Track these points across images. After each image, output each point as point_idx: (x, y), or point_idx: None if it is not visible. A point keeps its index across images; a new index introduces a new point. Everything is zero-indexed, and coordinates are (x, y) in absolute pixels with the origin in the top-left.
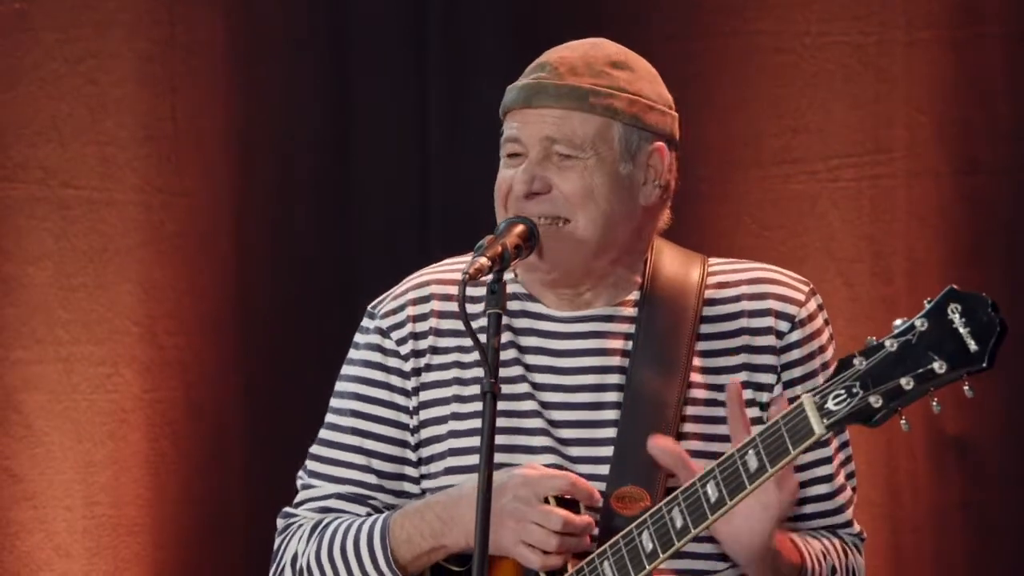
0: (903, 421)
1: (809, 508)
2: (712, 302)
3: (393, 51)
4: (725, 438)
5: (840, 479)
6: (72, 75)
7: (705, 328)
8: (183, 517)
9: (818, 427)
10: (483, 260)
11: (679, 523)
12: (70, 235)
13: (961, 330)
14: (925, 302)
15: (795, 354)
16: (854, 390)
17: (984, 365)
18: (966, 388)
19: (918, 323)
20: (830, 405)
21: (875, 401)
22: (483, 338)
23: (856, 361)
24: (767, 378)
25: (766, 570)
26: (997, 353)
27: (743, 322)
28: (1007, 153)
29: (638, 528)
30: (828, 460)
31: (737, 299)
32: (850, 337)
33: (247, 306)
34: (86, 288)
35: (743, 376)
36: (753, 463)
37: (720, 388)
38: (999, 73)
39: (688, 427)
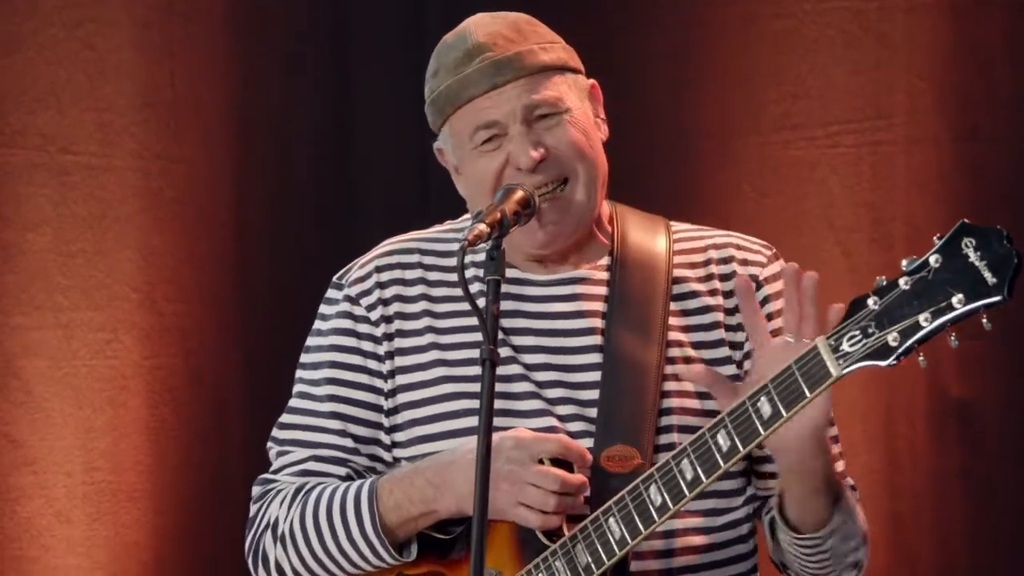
0: (921, 357)
1: None
2: (681, 264)
3: (394, 16)
4: (705, 395)
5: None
6: (70, 40)
7: (677, 289)
8: (183, 483)
9: (835, 369)
10: (482, 226)
11: (689, 474)
12: (69, 201)
13: (977, 263)
14: (935, 238)
15: (768, 308)
16: (869, 330)
17: (1003, 296)
18: (984, 321)
19: (932, 259)
20: (845, 346)
21: (892, 339)
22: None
23: (870, 301)
24: (742, 336)
25: (817, 478)
26: (1015, 284)
27: (714, 284)
28: (1007, 120)
29: (645, 483)
30: None
31: (706, 263)
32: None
33: (246, 272)
34: (85, 254)
35: (718, 335)
36: (767, 409)
37: (700, 346)
38: (999, 40)
39: (669, 385)
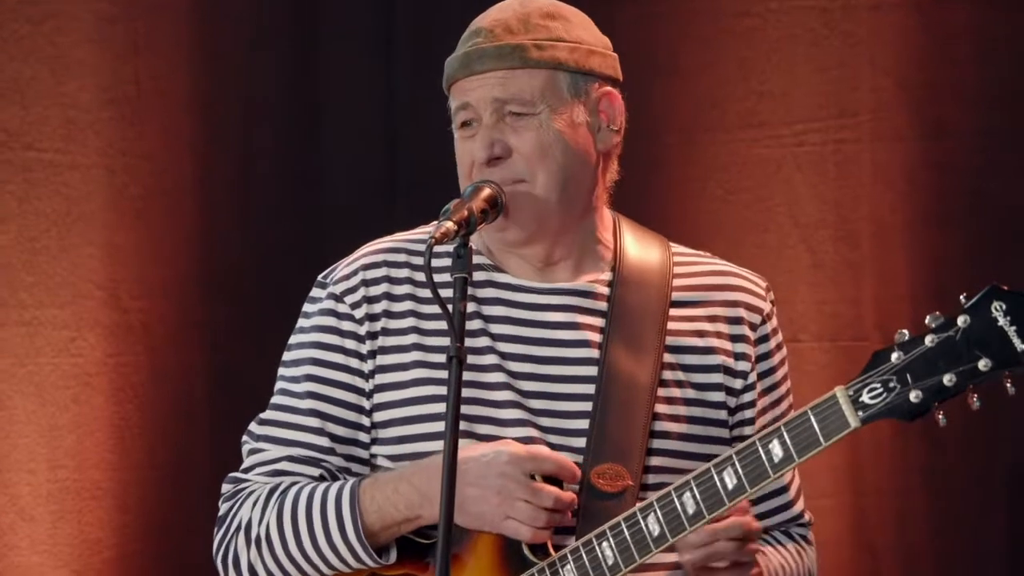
0: (940, 416)
1: (765, 506)
2: (680, 288)
3: (360, 11)
4: (696, 420)
5: (790, 472)
6: (34, 36)
7: (675, 311)
8: (147, 481)
9: (853, 420)
10: (449, 224)
11: (691, 509)
12: (32, 198)
13: (1007, 328)
14: (962, 298)
15: (770, 345)
16: (891, 384)
17: None
18: (1008, 384)
19: (960, 320)
20: (865, 398)
21: (915, 396)
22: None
23: (894, 356)
24: (743, 365)
25: None
26: None
27: (714, 310)
28: (972, 117)
29: (643, 512)
30: None
31: (707, 288)
32: (813, 303)
33: (211, 270)
34: (49, 251)
35: (716, 360)
36: (778, 452)
37: (691, 370)
38: (964, 37)
39: (661, 407)
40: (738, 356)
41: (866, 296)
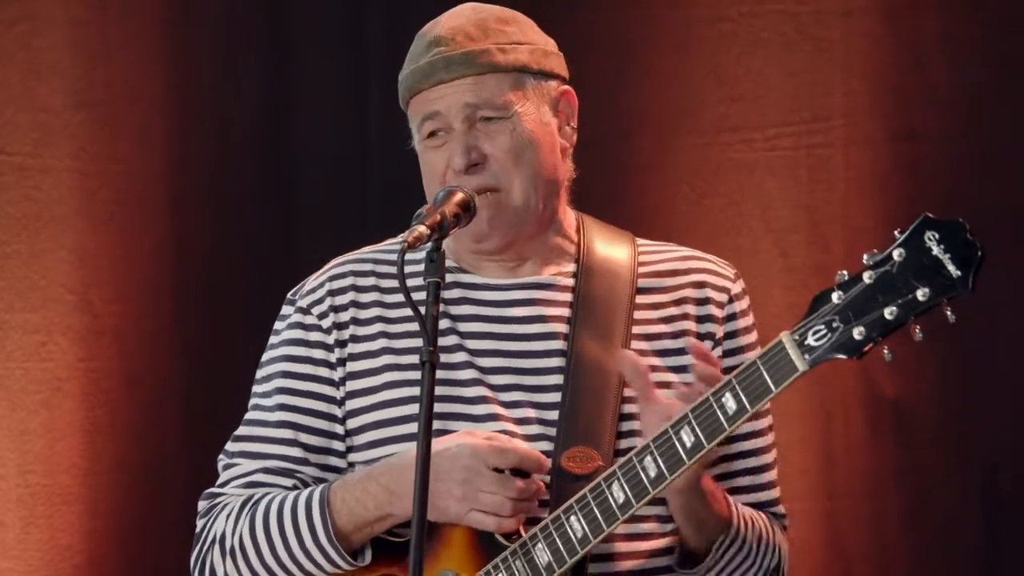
0: (886, 350)
1: (738, 481)
2: (646, 275)
3: (333, 16)
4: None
5: (769, 456)
6: (5, 39)
7: (642, 299)
8: (119, 486)
9: (801, 364)
10: (422, 228)
11: (653, 472)
12: (3, 202)
13: (941, 256)
14: (896, 232)
15: (737, 324)
16: (834, 324)
17: (969, 290)
18: (948, 313)
19: (895, 253)
20: (811, 341)
21: (858, 333)
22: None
23: (834, 296)
24: (708, 345)
25: (692, 515)
26: (978, 277)
27: (681, 293)
28: (944, 120)
29: (607, 480)
30: (759, 434)
31: (673, 273)
32: (786, 307)
33: (183, 273)
34: (20, 256)
35: (682, 343)
36: (732, 404)
37: (666, 354)
38: (935, 41)
39: (631, 391)
40: (703, 336)
41: None
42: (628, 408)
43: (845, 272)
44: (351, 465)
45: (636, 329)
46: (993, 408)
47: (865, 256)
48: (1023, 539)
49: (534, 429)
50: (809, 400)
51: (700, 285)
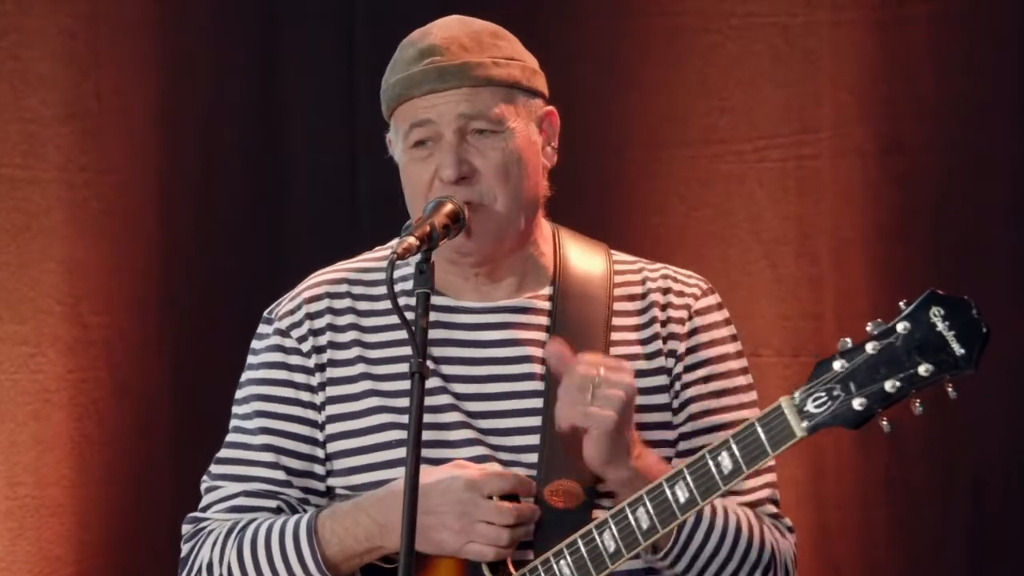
0: (884, 422)
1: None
2: (621, 298)
3: (322, 27)
4: (645, 426)
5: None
6: None
7: (617, 321)
8: (108, 497)
9: (799, 430)
10: (411, 240)
11: (645, 524)
12: None
13: (946, 334)
14: (901, 304)
15: (700, 338)
16: (835, 392)
17: (973, 370)
18: (950, 389)
19: (899, 326)
20: (810, 407)
21: (858, 404)
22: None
23: (836, 364)
24: (671, 362)
25: (629, 486)
26: (981, 357)
27: (651, 313)
28: (932, 132)
29: (598, 528)
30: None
31: (644, 295)
32: (774, 317)
33: (173, 285)
34: (9, 267)
35: (658, 363)
36: (728, 464)
37: (639, 375)
38: (924, 53)
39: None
40: (669, 354)
41: (827, 311)
42: None
43: (848, 340)
44: (330, 489)
45: (614, 351)
46: (980, 422)
47: (869, 325)
48: (1009, 552)
49: (509, 456)
50: None
51: (665, 306)
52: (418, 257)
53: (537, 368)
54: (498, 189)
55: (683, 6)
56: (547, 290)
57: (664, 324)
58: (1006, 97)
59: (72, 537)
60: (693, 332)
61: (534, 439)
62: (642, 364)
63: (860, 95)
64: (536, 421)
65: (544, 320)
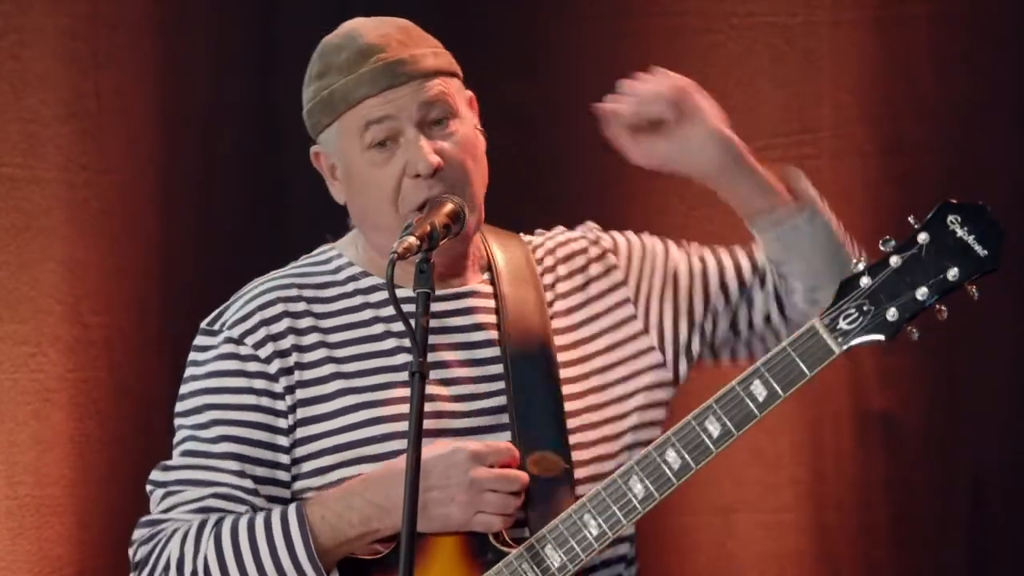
0: (913, 330)
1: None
2: (544, 272)
3: (323, 27)
4: (600, 388)
5: None
6: None
7: (549, 295)
8: (108, 497)
9: (835, 346)
10: (412, 239)
11: (677, 464)
12: None
13: (966, 238)
14: (911, 219)
15: (620, 251)
16: (865, 307)
17: (998, 265)
18: (973, 290)
19: (920, 237)
20: (842, 325)
21: (891, 315)
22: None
23: (862, 281)
24: (626, 310)
25: (746, 178)
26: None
27: (576, 279)
28: (932, 132)
29: (624, 476)
30: None
31: (557, 263)
32: None
33: (173, 285)
34: (9, 266)
35: (604, 322)
36: (762, 391)
37: (579, 344)
38: (923, 52)
39: (567, 388)
40: (618, 304)
41: None
42: (569, 406)
43: (863, 259)
44: (300, 492)
45: (554, 324)
46: (980, 422)
47: (881, 244)
48: (1009, 551)
49: (488, 437)
50: (800, 412)
51: (576, 261)
52: (419, 256)
53: (496, 351)
54: (471, 171)
55: (684, 6)
56: (486, 275)
57: (595, 280)
58: (1006, 97)
59: (72, 537)
60: (602, 256)
61: (502, 419)
62: (598, 308)
63: (860, 95)
64: (502, 400)
65: (491, 303)
